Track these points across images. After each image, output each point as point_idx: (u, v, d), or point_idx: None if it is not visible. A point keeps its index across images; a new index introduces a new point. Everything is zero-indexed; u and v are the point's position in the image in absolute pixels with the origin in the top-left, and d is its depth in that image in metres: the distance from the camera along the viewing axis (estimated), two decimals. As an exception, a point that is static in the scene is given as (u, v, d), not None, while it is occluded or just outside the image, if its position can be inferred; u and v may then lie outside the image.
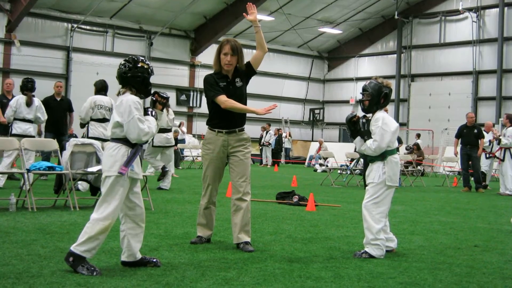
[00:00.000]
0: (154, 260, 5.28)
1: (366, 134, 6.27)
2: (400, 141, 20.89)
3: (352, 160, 19.83)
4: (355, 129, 6.37)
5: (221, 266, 5.35)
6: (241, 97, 6.46)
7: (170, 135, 13.24)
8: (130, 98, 5.11)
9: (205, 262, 5.50)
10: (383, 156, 6.21)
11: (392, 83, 32.27)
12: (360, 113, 6.54)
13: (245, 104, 6.50)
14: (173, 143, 13.40)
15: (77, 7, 30.97)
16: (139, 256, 5.23)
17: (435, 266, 5.73)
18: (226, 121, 6.40)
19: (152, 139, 13.00)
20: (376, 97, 6.26)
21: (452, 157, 23.47)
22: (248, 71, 6.56)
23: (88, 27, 32.16)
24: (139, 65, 5.22)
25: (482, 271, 5.59)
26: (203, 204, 6.52)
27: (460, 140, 17.26)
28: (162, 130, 12.95)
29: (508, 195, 15.60)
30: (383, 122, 6.21)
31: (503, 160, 16.07)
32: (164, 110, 13.74)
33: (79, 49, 31.75)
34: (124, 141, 5.13)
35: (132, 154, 5.11)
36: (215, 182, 6.50)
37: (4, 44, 29.81)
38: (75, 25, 31.39)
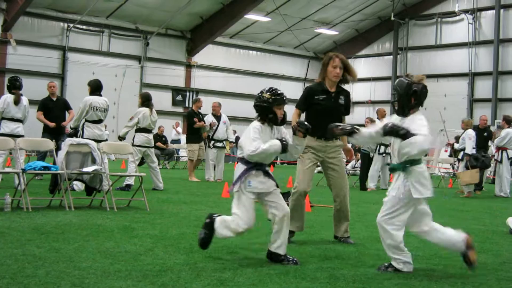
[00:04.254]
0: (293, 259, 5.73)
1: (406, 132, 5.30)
2: None
3: (348, 161, 19.83)
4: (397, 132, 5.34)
5: (216, 267, 5.35)
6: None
7: (151, 136, 13.24)
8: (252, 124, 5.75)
9: (200, 262, 5.50)
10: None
11: (388, 84, 32.25)
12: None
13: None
14: (152, 144, 13.41)
15: (73, 6, 30.91)
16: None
17: (430, 268, 5.74)
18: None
19: (133, 139, 13.07)
20: (405, 96, 5.49)
21: (447, 158, 23.53)
22: None
23: (84, 27, 32.09)
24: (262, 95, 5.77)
25: (477, 272, 5.59)
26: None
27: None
28: (143, 130, 13.01)
29: (502, 197, 15.64)
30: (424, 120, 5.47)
31: (500, 161, 16.12)
32: (148, 110, 13.77)
33: (75, 48, 31.69)
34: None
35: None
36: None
37: (0, 43, 29.73)
38: (71, 25, 31.31)
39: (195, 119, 16.04)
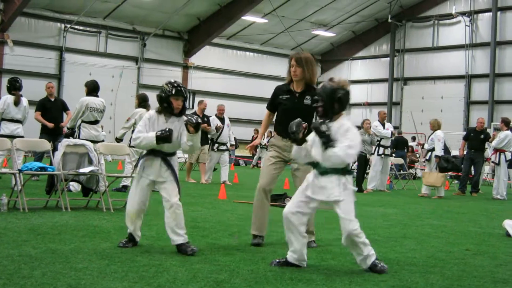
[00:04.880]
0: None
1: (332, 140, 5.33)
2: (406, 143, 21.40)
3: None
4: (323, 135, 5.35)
5: (212, 268, 5.34)
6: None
7: None
8: None
9: (196, 264, 5.49)
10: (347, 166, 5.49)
11: (385, 86, 32.30)
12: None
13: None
14: None
15: (71, 7, 30.87)
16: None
17: (427, 270, 5.74)
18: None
19: (130, 140, 13.03)
20: (329, 102, 5.40)
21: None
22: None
23: (81, 28, 32.04)
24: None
25: (473, 274, 5.60)
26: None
27: (466, 143, 17.33)
28: None
29: (499, 199, 15.66)
30: (350, 126, 5.47)
31: (498, 164, 16.13)
32: (145, 111, 13.74)
33: (72, 49, 31.63)
34: None
35: None
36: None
37: (-3, 44, 29.72)
38: (68, 26, 31.26)
39: None
